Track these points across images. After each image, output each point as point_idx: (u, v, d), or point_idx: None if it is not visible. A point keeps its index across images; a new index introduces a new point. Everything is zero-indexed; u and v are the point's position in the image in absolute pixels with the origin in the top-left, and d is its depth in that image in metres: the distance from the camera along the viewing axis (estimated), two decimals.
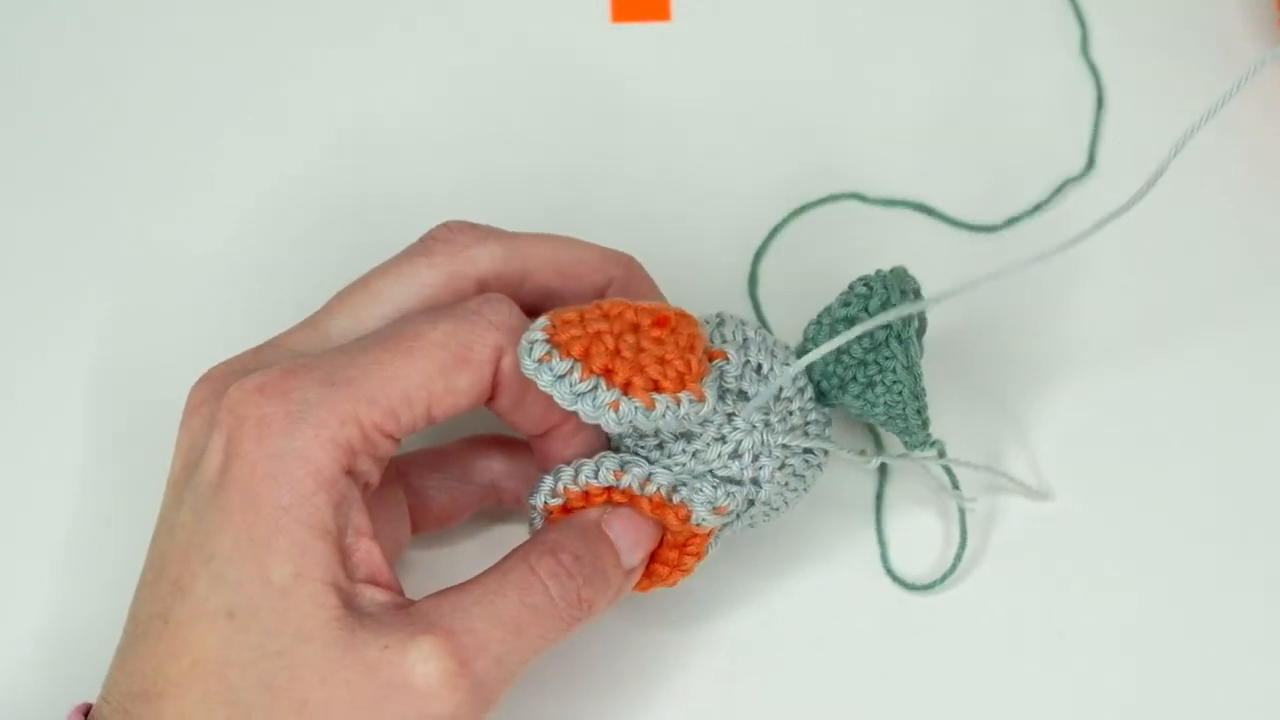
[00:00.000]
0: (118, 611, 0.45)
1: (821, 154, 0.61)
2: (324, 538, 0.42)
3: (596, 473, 0.46)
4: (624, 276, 0.49)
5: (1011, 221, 0.59)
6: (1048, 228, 0.59)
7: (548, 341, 0.44)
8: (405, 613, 0.42)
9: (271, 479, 0.42)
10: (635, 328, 0.45)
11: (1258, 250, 0.60)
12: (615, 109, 0.61)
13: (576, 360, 0.44)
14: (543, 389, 0.44)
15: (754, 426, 0.47)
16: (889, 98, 0.62)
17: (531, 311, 0.46)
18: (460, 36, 0.63)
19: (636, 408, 0.44)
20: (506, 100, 0.61)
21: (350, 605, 0.42)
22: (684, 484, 0.46)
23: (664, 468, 0.46)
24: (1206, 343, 0.58)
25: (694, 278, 0.56)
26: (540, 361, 0.44)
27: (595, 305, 0.45)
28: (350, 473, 0.43)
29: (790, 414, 0.48)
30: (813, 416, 0.49)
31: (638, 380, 0.44)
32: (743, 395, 0.47)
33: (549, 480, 0.46)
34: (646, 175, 0.60)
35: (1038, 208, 0.59)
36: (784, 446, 0.47)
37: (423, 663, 0.41)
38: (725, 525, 0.47)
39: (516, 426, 0.47)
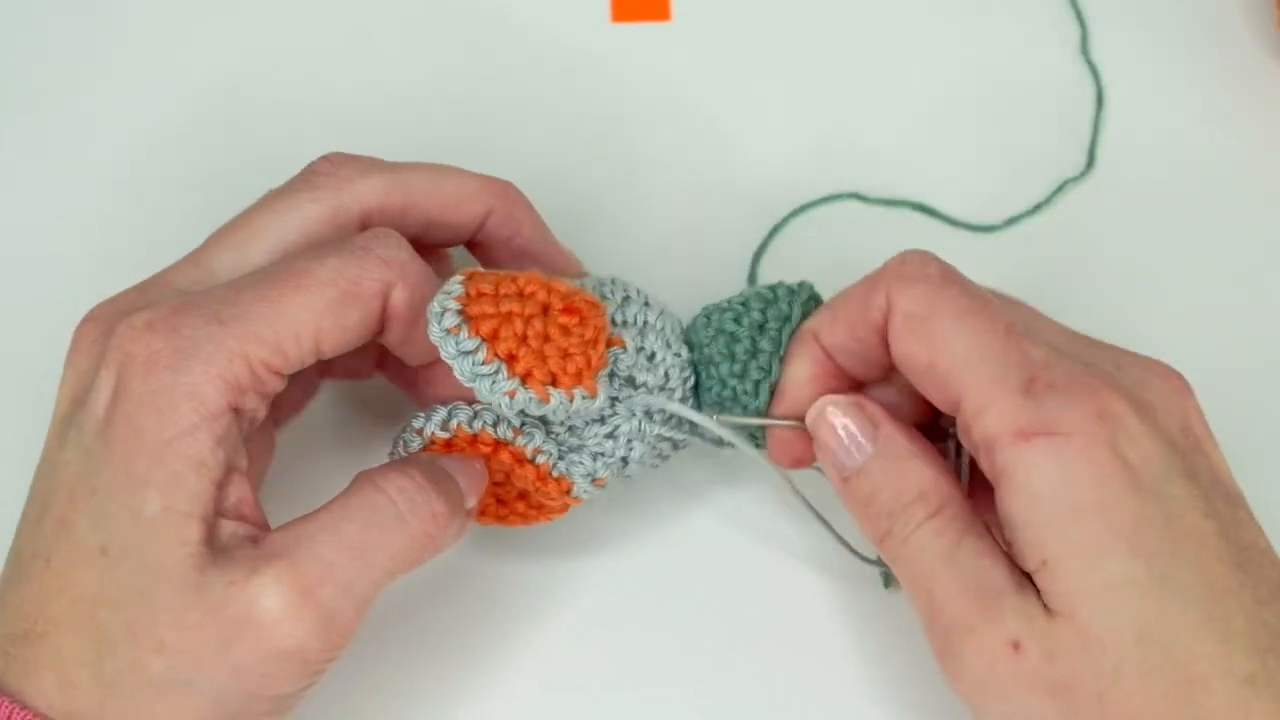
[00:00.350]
0: None
1: (821, 154, 0.61)
2: (198, 471, 0.42)
3: (495, 424, 0.46)
4: (504, 205, 0.50)
5: (1012, 221, 0.59)
6: (1048, 227, 0.59)
7: (459, 313, 0.44)
8: (254, 546, 0.42)
9: (157, 413, 0.42)
10: (545, 309, 0.45)
11: (1258, 249, 0.60)
12: (615, 109, 0.61)
13: (484, 340, 0.44)
14: (444, 358, 0.44)
15: (633, 414, 0.48)
16: (889, 97, 0.62)
17: (413, 242, 0.46)
18: (460, 36, 0.63)
19: (531, 398, 0.44)
20: (506, 100, 0.61)
21: (211, 541, 0.42)
22: (564, 457, 0.47)
23: (545, 435, 0.47)
24: (1206, 342, 0.57)
25: (694, 277, 0.56)
26: (448, 333, 0.44)
27: (511, 277, 0.45)
28: (236, 410, 0.43)
29: (673, 392, 0.49)
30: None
31: (538, 372, 0.44)
32: (630, 382, 0.48)
33: (440, 413, 0.46)
34: (646, 175, 0.60)
35: (1037, 207, 0.59)
36: (658, 435, 0.48)
37: (265, 596, 0.41)
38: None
39: (402, 358, 0.47)
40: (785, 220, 0.59)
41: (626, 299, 0.49)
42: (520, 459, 0.47)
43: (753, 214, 0.59)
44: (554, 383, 0.45)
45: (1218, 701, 0.40)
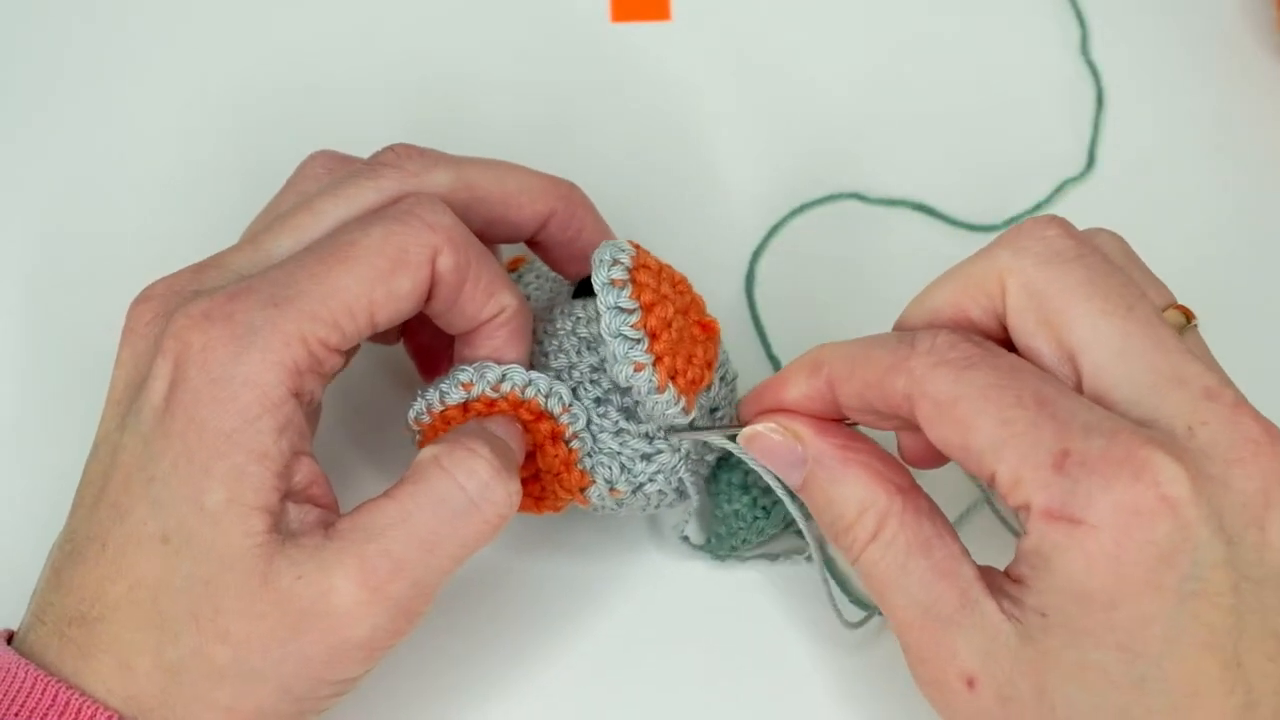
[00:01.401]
0: (35, 536, 0.46)
1: (821, 153, 0.61)
2: (262, 461, 0.42)
3: (547, 395, 0.46)
4: (567, 207, 0.50)
5: (1012, 221, 0.59)
6: None
7: (627, 270, 0.45)
8: (323, 536, 0.43)
9: (217, 404, 0.42)
10: (685, 313, 0.46)
11: (1258, 249, 0.60)
12: (615, 109, 0.61)
13: (641, 307, 0.45)
14: (600, 305, 0.45)
15: (676, 450, 0.48)
16: (890, 97, 0.62)
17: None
18: (460, 36, 0.63)
19: (651, 382, 0.45)
20: (507, 99, 0.61)
21: (277, 528, 0.42)
22: (592, 454, 0.47)
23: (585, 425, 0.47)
24: (1206, 340, 0.57)
25: (693, 276, 0.56)
26: (612, 284, 0.45)
27: (669, 268, 0.46)
28: (297, 394, 0.43)
29: (704, 459, 0.49)
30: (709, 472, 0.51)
31: (668, 360, 0.45)
32: (691, 423, 0.48)
33: (494, 372, 0.46)
34: (645, 174, 0.60)
35: (1038, 207, 0.59)
36: (680, 478, 0.48)
37: (335, 593, 0.42)
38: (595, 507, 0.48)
39: (444, 325, 0.47)
40: (785, 220, 0.59)
41: (722, 347, 0.49)
42: (557, 437, 0.47)
43: (752, 214, 0.59)
44: (673, 379, 0.45)
45: None
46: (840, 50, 0.63)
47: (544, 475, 0.48)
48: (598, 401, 0.47)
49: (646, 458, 0.48)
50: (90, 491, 0.44)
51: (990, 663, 0.41)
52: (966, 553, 0.43)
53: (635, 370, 0.45)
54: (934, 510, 0.44)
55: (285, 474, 0.43)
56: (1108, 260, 0.43)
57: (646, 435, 0.48)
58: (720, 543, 0.51)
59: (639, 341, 0.45)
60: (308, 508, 0.43)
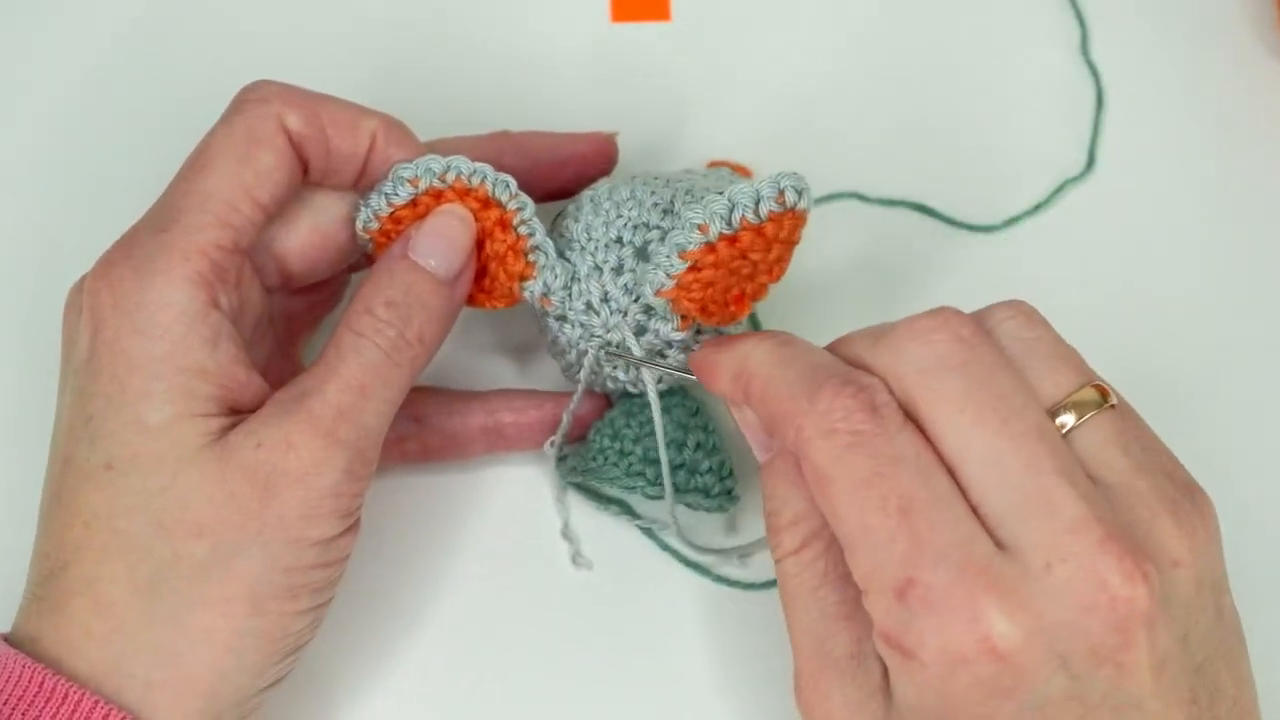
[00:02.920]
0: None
1: (821, 153, 0.61)
2: (202, 376, 0.44)
3: (508, 183, 0.48)
4: (384, 126, 0.50)
5: (1011, 221, 0.59)
6: (1047, 227, 0.59)
7: (757, 219, 0.46)
8: (267, 408, 0.45)
9: (138, 333, 0.44)
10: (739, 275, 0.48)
11: (1258, 249, 0.60)
12: (615, 109, 0.61)
13: (715, 243, 0.46)
14: (725, 197, 0.46)
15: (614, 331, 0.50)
16: (890, 97, 0.62)
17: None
18: (460, 35, 0.63)
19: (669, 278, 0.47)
20: (507, 99, 0.61)
21: (226, 426, 0.44)
22: (541, 248, 0.49)
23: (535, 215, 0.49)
24: (1206, 340, 0.58)
25: None
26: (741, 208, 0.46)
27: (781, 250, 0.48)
28: (215, 305, 0.44)
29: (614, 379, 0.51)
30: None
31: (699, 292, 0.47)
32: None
33: (437, 164, 0.47)
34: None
35: (1037, 207, 0.59)
36: (594, 348, 0.50)
37: (294, 447, 0.43)
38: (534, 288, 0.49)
39: (342, 177, 0.49)
40: None
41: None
42: (506, 225, 0.48)
43: None
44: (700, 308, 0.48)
45: None
46: (840, 50, 0.63)
47: (490, 262, 0.49)
48: (617, 241, 0.49)
49: (591, 309, 0.49)
50: (50, 458, 0.46)
51: (853, 712, 0.42)
52: None
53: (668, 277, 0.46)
54: None
55: (229, 384, 0.44)
56: (996, 362, 0.41)
57: (611, 300, 0.49)
58: (569, 464, 0.52)
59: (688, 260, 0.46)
60: (251, 398, 0.45)
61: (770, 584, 0.52)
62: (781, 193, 0.45)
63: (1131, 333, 0.57)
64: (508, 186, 0.48)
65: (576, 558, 0.53)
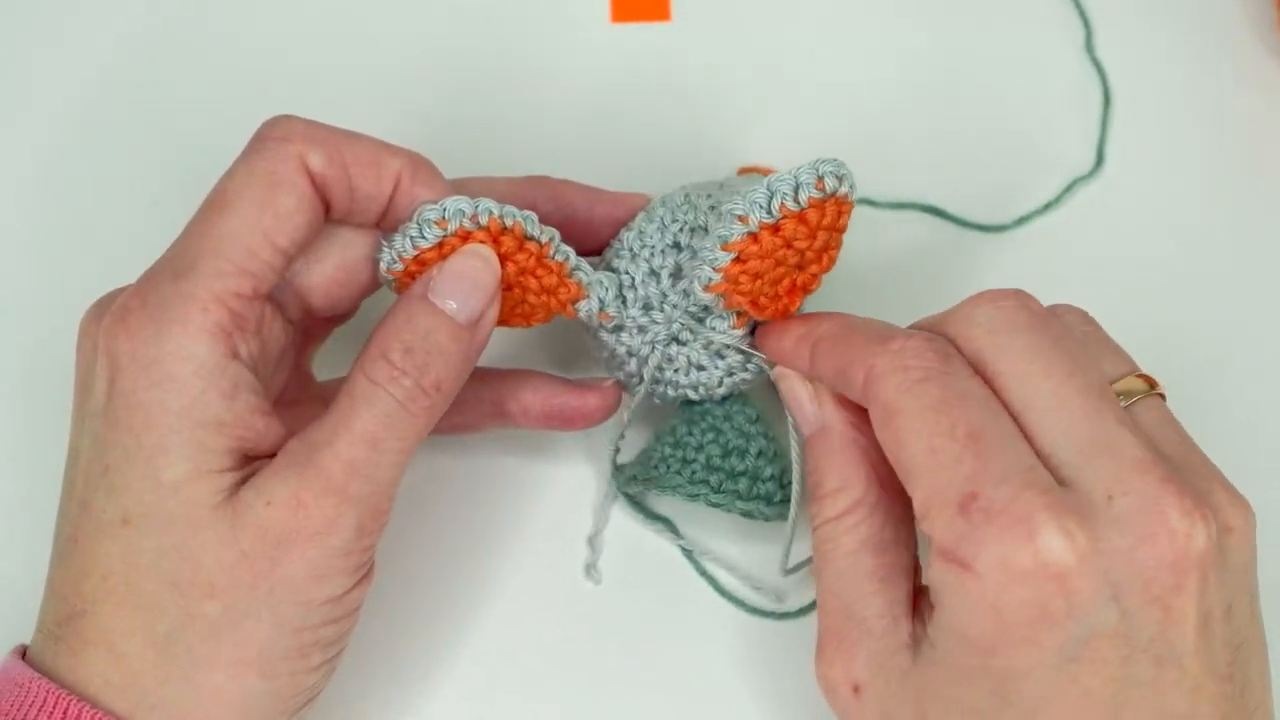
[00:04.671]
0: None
1: (824, 154, 0.60)
2: (219, 429, 0.43)
3: (533, 216, 0.47)
4: (410, 164, 0.48)
5: (1022, 221, 0.59)
6: (1058, 226, 0.59)
7: (796, 206, 0.46)
8: (279, 461, 0.44)
9: (155, 386, 0.43)
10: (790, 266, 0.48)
11: (1257, 248, 0.59)
12: (615, 109, 0.61)
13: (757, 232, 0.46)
14: (753, 194, 0.46)
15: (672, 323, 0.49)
16: (893, 97, 0.61)
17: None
18: (460, 35, 0.62)
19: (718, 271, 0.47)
20: (506, 99, 0.61)
21: (240, 480, 0.43)
22: (601, 275, 0.48)
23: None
24: (1205, 340, 0.58)
25: None
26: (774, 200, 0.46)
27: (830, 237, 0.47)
28: (234, 355, 0.44)
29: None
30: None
31: (747, 283, 0.47)
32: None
33: (466, 205, 0.46)
34: (645, 175, 0.58)
35: (1048, 206, 0.59)
36: (660, 350, 0.49)
37: (304, 505, 0.43)
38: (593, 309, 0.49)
39: (367, 216, 0.47)
40: None
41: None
42: (542, 258, 0.47)
43: None
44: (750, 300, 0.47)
45: None
46: (841, 50, 0.62)
47: (535, 295, 0.48)
48: (674, 246, 0.49)
49: (649, 311, 0.49)
50: (64, 496, 0.45)
51: (881, 678, 0.43)
52: (915, 569, 0.45)
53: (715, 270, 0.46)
54: (905, 517, 0.45)
55: (246, 435, 0.44)
56: (1062, 331, 0.44)
57: (669, 301, 0.49)
58: (627, 472, 0.52)
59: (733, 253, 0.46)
60: (266, 452, 0.44)
61: (802, 612, 0.52)
62: (821, 179, 0.45)
63: (1141, 330, 0.57)
64: (535, 222, 0.47)
65: (590, 569, 0.52)
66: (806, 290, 0.48)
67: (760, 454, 0.50)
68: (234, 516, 0.43)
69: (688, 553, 0.53)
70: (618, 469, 0.52)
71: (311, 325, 0.50)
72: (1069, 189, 0.59)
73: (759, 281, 0.47)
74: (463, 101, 0.61)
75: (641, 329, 0.49)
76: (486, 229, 0.46)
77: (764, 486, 0.50)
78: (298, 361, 0.51)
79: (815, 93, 0.62)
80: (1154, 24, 0.63)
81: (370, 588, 0.46)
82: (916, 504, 0.42)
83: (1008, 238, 0.59)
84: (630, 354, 0.50)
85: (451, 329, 0.45)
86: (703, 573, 0.53)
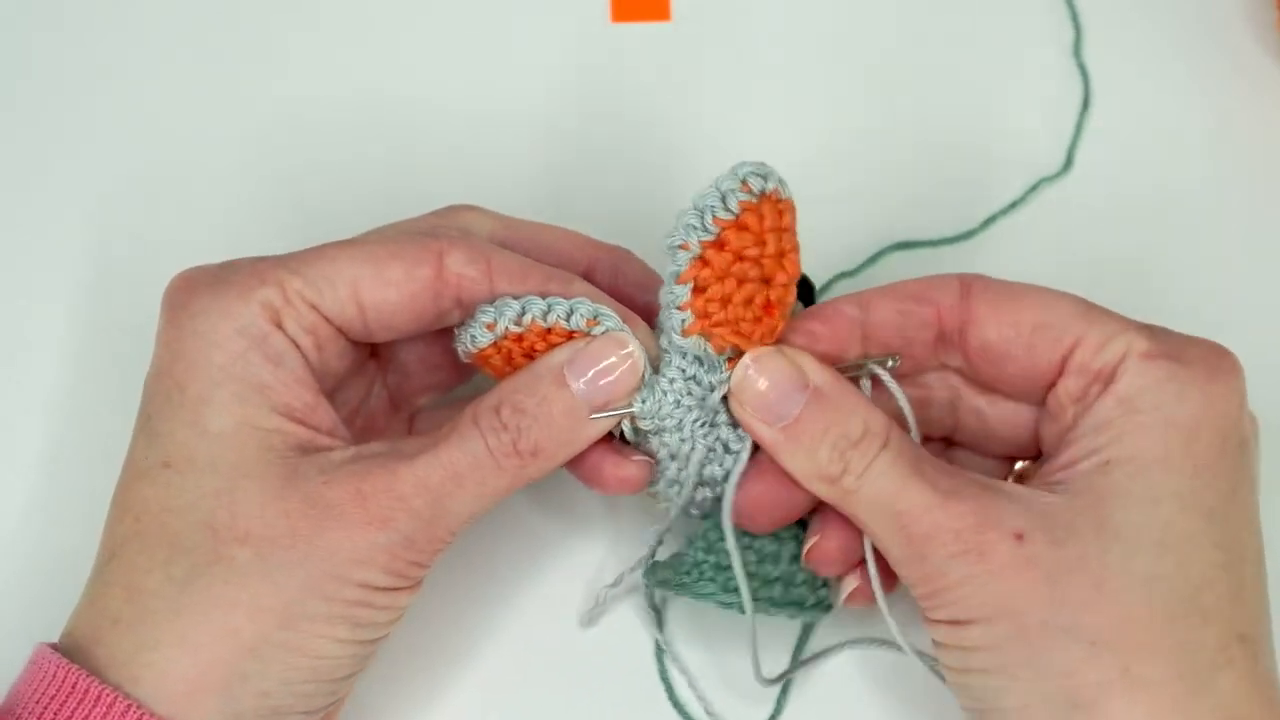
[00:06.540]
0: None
1: (822, 153, 0.61)
2: (262, 391, 0.44)
3: (568, 317, 0.46)
4: (608, 257, 0.51)
5: (988, 222, 0.60)
6: (1023, 226, 0.60)
7: (712, 235, 0.45)
8: (355, 452, 0.44)
9: (199, 337, 0.44)
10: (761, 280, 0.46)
11: (1258, 249, 0.60)
12: (615, 109, 0.61)
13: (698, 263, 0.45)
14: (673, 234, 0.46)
15: (712, 424, 0.48)
16: (895, 98, 0.62)
17: None
18: (460, 35, 0.62)
19: (685, 319, 0.46)
20: (506, 100, 0.62)
21: (293, 448, 0.44)
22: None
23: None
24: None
25: None
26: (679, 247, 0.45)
27: (780, 238, 0.46)
28: (279, 326, 0.44)
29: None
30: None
31: (701, 304, 0.46)
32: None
33: (512, 308, 0.45)
34: (644, 175, 0.61)
35: (1013, 205, 0.60)
36: (698, 449, 0.48)
37: (362, 496, 0.43)
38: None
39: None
40: None
41: None
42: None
43: None
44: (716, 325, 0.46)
45: (1208, 636, 0.42)
46: (840, 50, 0.63)
47: None
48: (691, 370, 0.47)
49: (679, 399, 0.47)
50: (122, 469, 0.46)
51: (1041, 517, 0.43)
52: None
53: (678, 309, 0.45)
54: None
55: (294, 403, 0.44)
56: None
57: (694, 406, 0.47)
58: (659, 576, 0.50)
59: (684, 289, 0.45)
60: (321, 436, 0.45)
61: None
62: (744, 180, 0.44)
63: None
64: (582, 315, 0.46)
65: (586, 615, 0.53)
66: (783, 304, 0.46)
67: (794, 559, 0.49)
68: (286, 477, 0.43)
69: (660, 652, 0.53)
70: (649, 571, 0.51)
71: (409, 363, 0.51)
72: (1034, 189, 0.60)
73: (730, 306, 0.45)
74: (461, 100, 0.61)
75: (679, 424, 0.47)
76: (530, 329, 0.45)
77: (796, 591, 0.49)
78: (398, 406, 0.52)
79: (811, 91, 0.62)
80: (1152, 23, 0.63)
81: (414, 599, 0.46)
82: (1092, 339, 0.44)
83: (976, 241, 0.60)
84: (673, 454, 0.48)
85: (568, 405, 0.45)
86: (663, 676, 0.53)
